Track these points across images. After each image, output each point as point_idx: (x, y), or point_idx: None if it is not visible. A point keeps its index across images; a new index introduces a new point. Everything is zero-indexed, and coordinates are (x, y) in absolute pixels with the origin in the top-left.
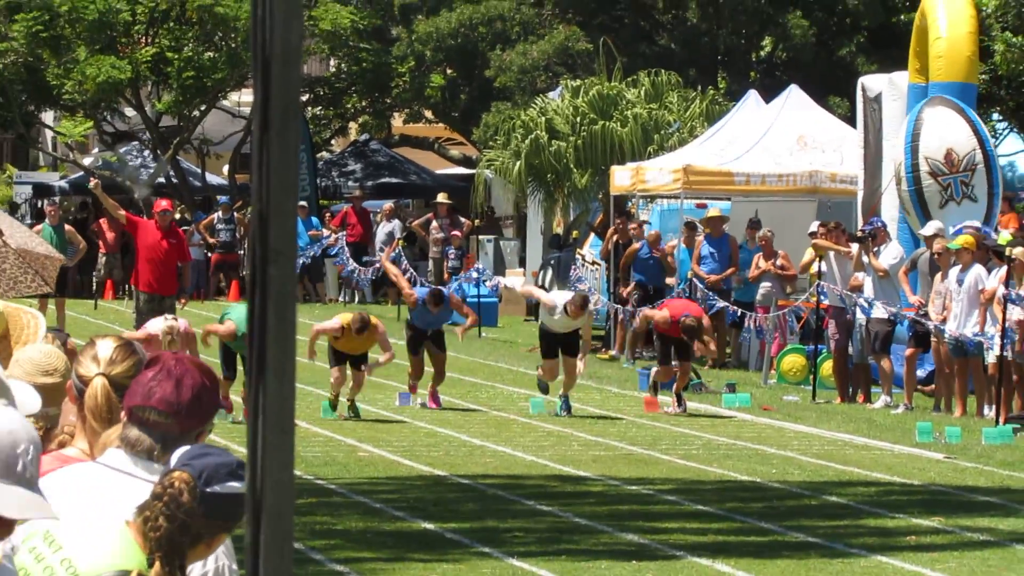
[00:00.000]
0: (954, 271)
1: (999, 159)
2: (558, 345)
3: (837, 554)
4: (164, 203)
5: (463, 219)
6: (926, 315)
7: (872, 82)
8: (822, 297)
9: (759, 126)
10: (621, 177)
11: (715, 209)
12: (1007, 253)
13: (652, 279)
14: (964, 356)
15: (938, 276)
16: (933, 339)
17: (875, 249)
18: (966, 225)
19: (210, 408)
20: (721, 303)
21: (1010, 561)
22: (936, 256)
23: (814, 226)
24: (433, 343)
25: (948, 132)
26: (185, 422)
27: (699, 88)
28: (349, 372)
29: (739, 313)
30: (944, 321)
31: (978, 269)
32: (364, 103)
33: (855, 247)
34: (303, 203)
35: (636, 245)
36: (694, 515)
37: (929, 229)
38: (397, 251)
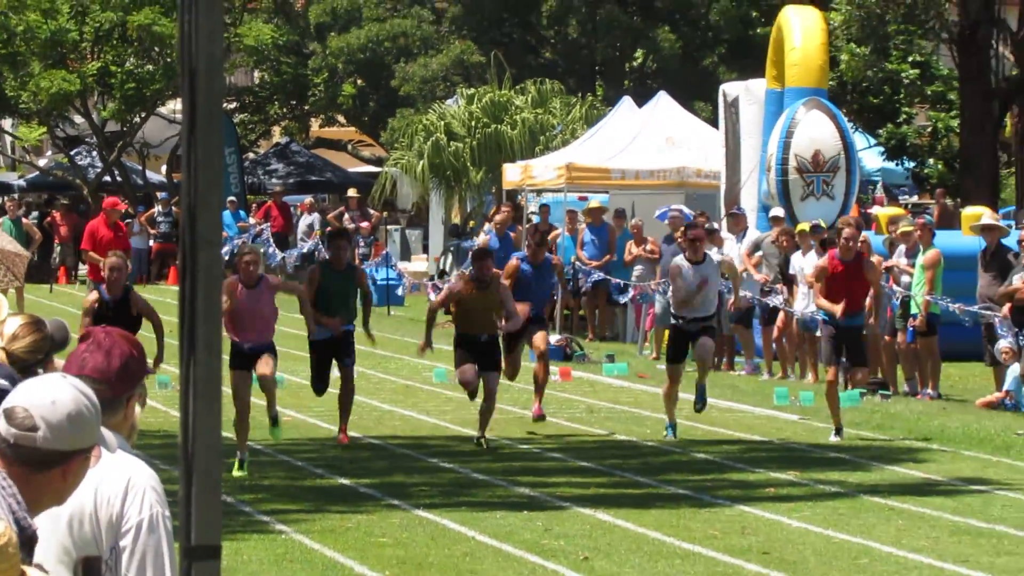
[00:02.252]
0: (797, 255)
1: None
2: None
3: (705, 504)
4: (114, 200)
5: (372, 211)
6: (771, 292)
7: (731, 88)
8: None
9: (633, 128)
10: (512, 173)
11: (595, 201)
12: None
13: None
14: (812, 330)
15: (795, 256)
16: (783, 314)
17: (738, 234)
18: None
19: (138, 374)
20: (600, 276)
21: (857, 510)
22: (783, 240)
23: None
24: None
25: (818, 133)
26: (116, 387)
27: (579, 95)
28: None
29: (623, 285)
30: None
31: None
32: (285, 110)
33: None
34: (232, 198)
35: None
36: (578, 470)
37: (776, 211)
38: (317, 240)
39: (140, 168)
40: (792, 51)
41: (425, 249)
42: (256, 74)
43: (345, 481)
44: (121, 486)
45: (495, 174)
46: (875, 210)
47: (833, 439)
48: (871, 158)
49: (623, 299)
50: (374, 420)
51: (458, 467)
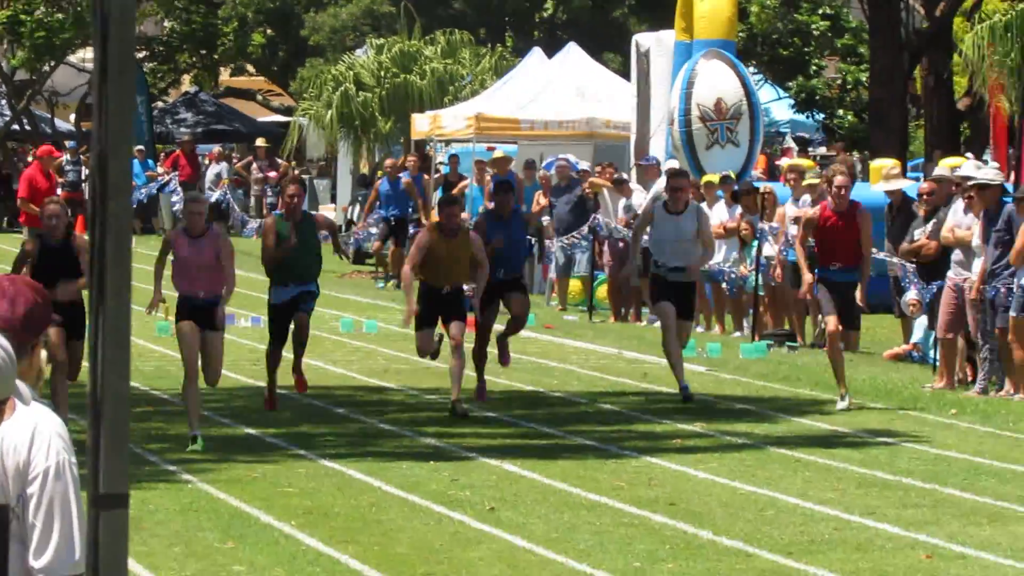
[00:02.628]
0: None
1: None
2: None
3: (611, 455)
4: (48, 148)
5: (280, 160)
6: None
7: (643, 39)
8: (598, 229)
9: (542, 79)
10: (421, 124)
11: (500, 151)
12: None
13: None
14: (718, 282)
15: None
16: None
17: (648, 184)
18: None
19: (42, 322)
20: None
21: (764, 461)
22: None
23: (585, 164)
24: None
25: (720, 82)
26: (21, 335)
27: (489, 46)
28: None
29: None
30: None
31: (721, 207)
32: (194, 59)
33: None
34: (140, 147)
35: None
36: (485, 421)
37: (671, 163)
38: (225, 189)
39: (49, 117)
40: (701, 3)
41: (333, 199)
42: (166, 23)
43: (251, 431)
44: (27, 434)
45: (404, 124)
46: (783, 161)
47: (841, 406)
48: (781, 110)
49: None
50: (281, 370)
51: (364, 417)
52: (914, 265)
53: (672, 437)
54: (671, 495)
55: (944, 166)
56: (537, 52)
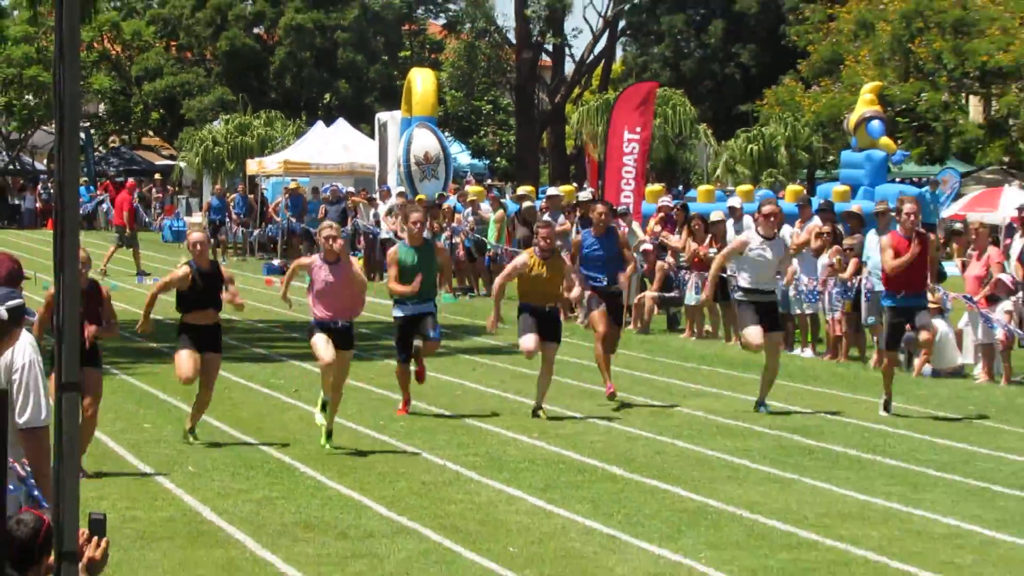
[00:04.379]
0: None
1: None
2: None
3: None
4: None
5: (168, 187)
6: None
7: (382, 116)
8: (357, 227)
9: (323, 139)
10: (252, 166)
11: (295, 182)
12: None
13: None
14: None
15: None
16: None
17: (385, 201)
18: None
19: (18, 279)
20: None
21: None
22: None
23: (350, 188)
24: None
25: (426, 141)
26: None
27: (292, 119)
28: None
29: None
30: None
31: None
32: (118, 127)
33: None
34: (85, 179)
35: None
36: None
37: (400, 189)
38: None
39: (31, 160)
40: (416, 95)
41: (200, 207)
42: (101, 106)
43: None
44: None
45: (241, 166)
46: (468, 188)
47: (882, 413)
48: (464, 157)
49: None
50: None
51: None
52: None
53: None
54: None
55: (560, 190)
56: (320, 124)
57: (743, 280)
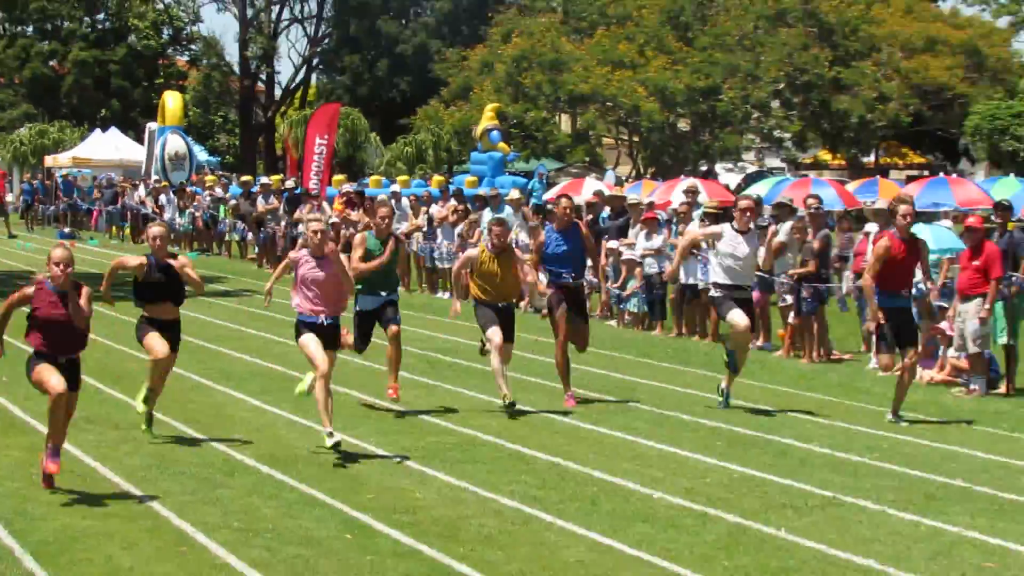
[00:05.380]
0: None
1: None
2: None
3: None
4: None
5: None
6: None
7: (151, 126)
8: (127, 204)
9: (107, 143)
10: (48, 161)
11: (84, 174)
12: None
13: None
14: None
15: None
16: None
17: (145, 186)
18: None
19: None
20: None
21: None
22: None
23: (120, 177)
24: None
25: (176, 143)
26: None
27: (82, 126)
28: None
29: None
30: None
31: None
32: None
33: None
34: None
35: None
36: None
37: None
38: None
39: None
40: (168, 110)
41: (12, 191)
42: None
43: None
44: None
45: (41, 160)
46: (205, 177)
47: (889, 419)
48: (203, 155)
49: None
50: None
51: None
52: None
53: None
54: None
55: (271, 179)
56: (98, 131)
57: (718, 276)
